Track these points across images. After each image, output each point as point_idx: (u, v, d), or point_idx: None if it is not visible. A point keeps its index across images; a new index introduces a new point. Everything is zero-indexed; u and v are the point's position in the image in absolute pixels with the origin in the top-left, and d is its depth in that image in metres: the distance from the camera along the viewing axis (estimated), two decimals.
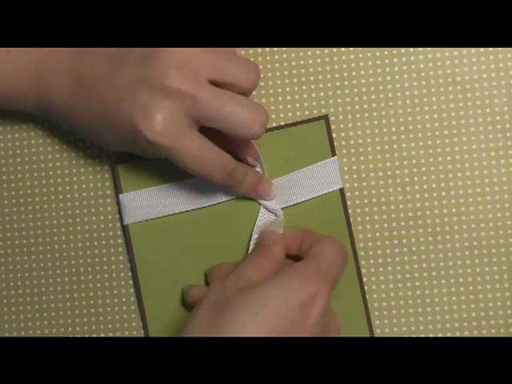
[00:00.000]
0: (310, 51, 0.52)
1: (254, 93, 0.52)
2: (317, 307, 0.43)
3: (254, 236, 0.51)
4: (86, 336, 0.53)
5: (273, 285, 0.44)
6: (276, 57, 0.53)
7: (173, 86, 0.45)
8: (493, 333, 0.50)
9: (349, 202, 0.52)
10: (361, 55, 0.52)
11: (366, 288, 0.51)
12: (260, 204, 0.52)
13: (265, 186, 0.51)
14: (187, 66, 0.46)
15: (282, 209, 0.51)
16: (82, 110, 0.48)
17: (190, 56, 0.46)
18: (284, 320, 0.42)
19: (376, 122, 0.52)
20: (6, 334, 0.54)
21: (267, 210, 0.51)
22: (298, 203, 0.51)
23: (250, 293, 0.43)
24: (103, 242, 0.53)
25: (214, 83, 0.47)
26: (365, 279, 0.51)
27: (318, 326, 0.43)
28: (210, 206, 0.52)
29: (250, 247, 0.51)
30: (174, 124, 0.46)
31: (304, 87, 0.52)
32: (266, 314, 0.42)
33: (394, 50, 0.52)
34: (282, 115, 0.52)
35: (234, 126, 0.46)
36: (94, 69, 0.48)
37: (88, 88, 0.48)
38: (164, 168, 0.52)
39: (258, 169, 0.52)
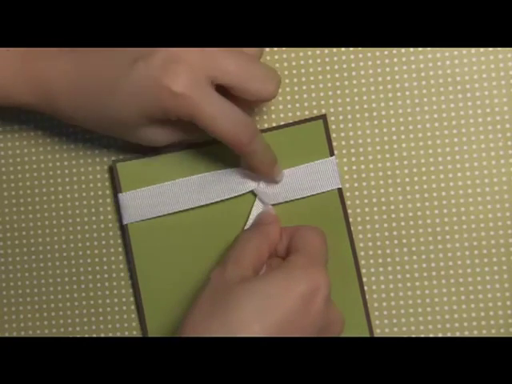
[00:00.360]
0: (309, 51, 0.52)
1: None
2: (320, 296, 0.44)
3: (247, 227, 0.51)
4: (86, 336, 0.53)
5: (275, 277, 0.44)
6: (276, 57, 0.53)
7: (187, 50, 0.45)
8: (493, 333, 0.50)
9: (348, 202, 0.52)
10: (361, 55, 0.52)
11: (365, 288, 0.51)
12: (258, 198, 0.51)
13: (279, 166, 0.50)
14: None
15: (279, 204, 0.51)
16: (91, 85, 0.47)
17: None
18: (288, 312, 0.42)
19: (376, 122, 0.52)
20: (6, 334, 0.54)
21: (262, 203, 0.51)
22: (298, 202, 0.51)
23: (253, 286, 0.43)
24: (103, 242, 0.53)
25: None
26: (365, 279, 0.51)
27: (322, 314, 0.44)
28: (209, 204, 0.52)
29: None
30: (197, 78, 0.45)
31: (304, 87, 0.52)
32: (270, 309, 0.42)
33: (394, 50, 0.52)
34: (281, 115, 0.52)
35: (252, 82, 0.46)
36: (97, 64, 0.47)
37: (93, 60, 0.47)
38: (164, 167, 0.52)
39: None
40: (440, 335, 0.51)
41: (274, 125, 0.52)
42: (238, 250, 0.47)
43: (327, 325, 0.45)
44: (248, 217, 0.51)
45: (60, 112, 0.49)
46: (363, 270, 0.51)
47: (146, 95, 0.46)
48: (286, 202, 0.51)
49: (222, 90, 0.47)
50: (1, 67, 0.48)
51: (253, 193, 0.52)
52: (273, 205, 0.51)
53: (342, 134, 0.52)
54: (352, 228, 0.51)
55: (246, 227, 0.51)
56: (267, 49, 0.53)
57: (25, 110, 0.50)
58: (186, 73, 0.45)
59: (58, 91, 0.48)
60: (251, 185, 0.51)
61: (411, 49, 0.51)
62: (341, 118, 0.52)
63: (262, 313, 0.42)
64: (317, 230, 0.49)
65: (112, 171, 0.53)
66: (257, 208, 0.52)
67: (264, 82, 0.47)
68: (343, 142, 0.52)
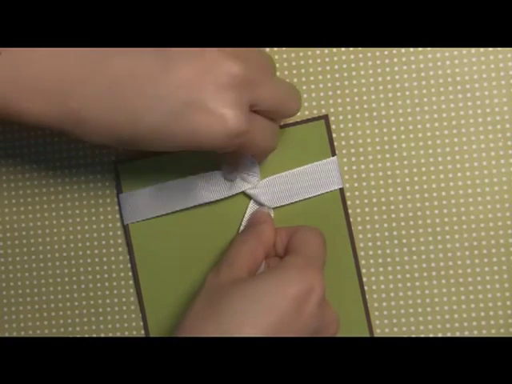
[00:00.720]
0: (309, 51, 0.52)
1: None
2: (313, 298, 0.43)
3: (241, 229, 0.51)
4: (86, 336, 0.53)
5: (268, 279, 0.43)
6: (276, 57, 0.53)
7: (231, 72, 0.43)
8: (493, 333, 0.50)
9: (349, 202, 0.52)
10: (361, 55, 0.52)
11: (365, 288, 0.51)
12: (253, 200, 0.51)
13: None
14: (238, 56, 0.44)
15: (280, 207, 0.51)
16: (117, 113, 0.43)
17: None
18: (281, 314, 0.42)
19: (376, 122, 0.52)
20: (6, 334, 0.54)
21: (262, 205, 0.51)
22: (299, 202, 0.51)
23: (246, 287, 0.43)
24: (103, 242, 0.53)
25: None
26: (365, 279, 0.51)
27: (316, 316, 0.43)
28: (210, 204, 0.52)
29: None
30: (242, 111, 0.43)
31: (304, 87, 0.52)
32: (263, 310, 0.42)
33: (394, 50, 0.52)
34: None
35: (283, 106, 0.47)
36: (125, 66, 0.42)
37: (123, 87, 0.43)
38: (164, 167, 0.52)
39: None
40: (440, 335, 0.51)
41: None
42: (233, 253, 0.47)
43: (321, 327, 0.45)
44: (243, 217, 0.52)
45: (87, 137, 0.45)
46: (363, 270, 0.51)
47: (189, 143, 0.44)
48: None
49: None
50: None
51: (244, 193, 0.52)
52: (275, 208, 0.51)
53: (342, 134, 0.52)
54: (352, 228, 0.51)
55: (241, 227, 0.51)
56: (267, 49, 0.53)
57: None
58: (235, 114, 0.43)
59: (87, 118, 0.44)
60: (253, 180, 0.51)
61: (411, 49, 0.51)
62: (341, 117, 0.52)
63: (255, 315, 0.42)
64: (316, 232, 0.49)
65: (113, 172, 0.53)
66: (251, 208, 0.52)
67: (291, 101, 0.47)
68: (343, 142, 0.52)
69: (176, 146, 0.44)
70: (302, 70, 0.52)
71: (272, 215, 0.51)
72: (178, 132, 0.43)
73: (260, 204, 0.51)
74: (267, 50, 0.53)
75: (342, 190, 0.51)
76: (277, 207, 0.51)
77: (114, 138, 0.44)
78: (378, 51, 0.52)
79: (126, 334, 0.53)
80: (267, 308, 0.42)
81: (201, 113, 0.42)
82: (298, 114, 0.52)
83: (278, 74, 0.52)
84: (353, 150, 0.52)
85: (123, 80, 0.43)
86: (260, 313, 0.42)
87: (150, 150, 0.45)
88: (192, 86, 0.43)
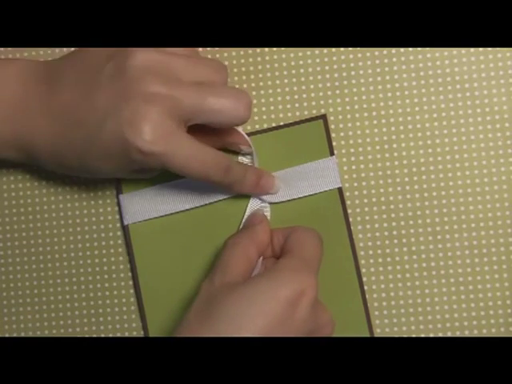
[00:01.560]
0: (309, 51, 0.52)
1: (254, 93, 0.52)
2: (305, 300, 0.43)
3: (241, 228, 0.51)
4: (86, 336, 0.53)
5: (261, 283, 0.43)
6: (275, 57, 0.53)
7: (151, 90, 0.45)
8: (493, 332, 0.50)
9: (348, 202, 0.52)
10: (360, 55, 0.52)
11: (365, 288, 0.51)
12: (252, 197, 0.51)
13: (268, 179, 0.50)
14: (160, 69, 0.46)
15: (279, 204, 0.51)
16: (67, 144, 0.47)
17: (160, 60, 0.46)
18: (274, 317, 0.42)
19: (375, 122, 0.52)
20: (7, 335, 0.54)
21: (261, 201, 0.51)
22: (298, 202, 0.51)
23: (239, 292, 0.43)
24: (103, 243, 0.53)
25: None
26: (365, 279, 0.51)
27: (309, 318, 0.43)
28: (210, 204, 0.52)
29: None
30: (163, 129, 0.45)
31: (303, 87, 0.52)
32: (256, 315, 0.42)
33: (393, 50, 0.52)
34: (281, 115, 0.52)
35: (220, 116, 0.46)
36: (67, 98, 0.47)
37: (67, 119, 0.47)
38: None
39: (247, 160, 0.51)
40: (440, 335, 0.51)
41: (274, 125, 0.52)
42: (226, 257, 0.46)
43: (315, 329, 0.44)
44: (243, 216, 0.52)
45: (43, 167, 0.51)
46: (363, 270, 0.51)
47: (118, 154, 0.46)
48: (287, 200, 0.51)
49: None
50: None
51: None
52: (273, 203, 0.51)
53: (342, 134, 0.52)
54: (352, 228, 0.51)
55: (240, 226, 0.51)
56: (266, 49, 0.53)
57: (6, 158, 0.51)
58: (153, 129, 0.45)
59: (38, 151, 0.49)
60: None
61: (410, 48, 0.51)
62: (340, 117, 0.52)
63: (249, 319, 0.42)
64: (313, 233, 0.48)
65: None
66: (251, 207, 0.52)
67: (235, 109, 0.46)
68: (343, 142, 0.52)
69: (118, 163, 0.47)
70: (301, 70, 0.52)
71: (268, 216, 0.51)
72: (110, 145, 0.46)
73: (259, 200, 0.51)
74: (266, 49, 0.53)
75: (340, 190, 0.51)
76: (274, 203, 0.51)
77: (65, 166, 0.49)
78: (376, 51, 0.52)
79: (126, 335, 0.53)
80: (261, 312, 0.42)
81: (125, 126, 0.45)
82: (298, 113, 0.52)
83: (276, 74, 0.52)
84: (352, 150, 0.52)
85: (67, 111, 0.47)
86: (253, 318, 0.42)
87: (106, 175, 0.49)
88: (113, 106, 0.45)
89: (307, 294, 0.43)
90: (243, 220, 0.51)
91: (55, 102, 0.47)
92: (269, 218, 0.51)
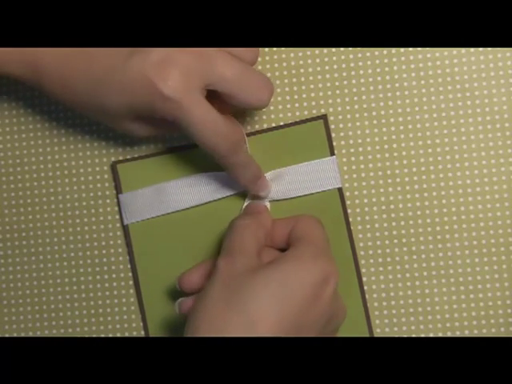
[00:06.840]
0: (309, 51, 0.52)
1: None
2: (331, 285, 0.45)
3: None
4: (86, 336, 0.53)
5: (288, 267, 0.44)
6: (275, 57, 0.53)
7: (188, 51, 0.46)
8: (493, 332, 0.50)
9: (348, 202, 0.52)
10: (360, 55, 0.52)
11: (365, 288, 0.51)
12: (250, 196, 0.51)
13: (265, 182, 0.51)
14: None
15: (279, 203, 0.51)
16: (81, 70, 0.47)
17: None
18: (303, 301, 0.43)
19: (375, 122, 0.52)
20: (7, 335, 0.54)
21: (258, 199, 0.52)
22: (298, 201, 0.51)
23: (268, 275, 0.44)
24: (103, 243, 0.54)
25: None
26: (365, 279, 0.51)
27: (330, 306, 0.45)
28: (210, 203, 0.52)
29: None
30: (188, 81, 0.45)
31: (303, 87, 0.52)
32: (285, 298, 0.43)
33: (393, 50, 0.52)
34: (281, 115, 0.52)
35: (245, 91, 0.47)
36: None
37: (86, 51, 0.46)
38: (164, 167, 0.52)
39: None
40: (440, 335, 0.51)
41: (274, 125, 0.52)
42: (239, 238, 0.46)
43: (334, 314, 0.46)
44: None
45: (46, 88, 0.49)
46: (363, 270, 0.51)
47: (137, 91, 0.46)
48: (286, 200, 0.51)
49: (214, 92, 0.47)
50: None
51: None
52: (272, 201, 0.51)
53: (342, 134, 0.52)
54: (352, 228, 0.51)
55: None
56: (266, 49, 0.53)
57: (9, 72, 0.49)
58: (178, 76, 0.45)
59: (46, 67, 0.47)
60: None
61: (410, 48, 0.51)
62: (340, 117, 0.52)
63: (278, 302, 0.43)
64: (315, 220, 0.49)
65: (113, 172, 0.53)
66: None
67: (257, 91, 0.47)
68: (343, 142, 0.52)
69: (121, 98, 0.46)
70: (302, 70, 0.52)
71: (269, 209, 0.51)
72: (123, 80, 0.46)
73: (257, 199, 0.51)
74: (266, 49, 0.53)
75: (340, 190, 0.51)
76: (274, 201, 0.51)
77: (70, 104, 0.48)
78: (376, 51, 0.52)
79: (126, 335, 0.53)
80: (289, 296, 0.43)
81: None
82: (298, 113, 0.52)
83: (277, 74, 0.52)
84: (352, 150, 0.52)
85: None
86: (283, 301, 0.43)
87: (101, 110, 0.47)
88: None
89: (332, 279, 0.45)
90: (243, 207, 0.51)
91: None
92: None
